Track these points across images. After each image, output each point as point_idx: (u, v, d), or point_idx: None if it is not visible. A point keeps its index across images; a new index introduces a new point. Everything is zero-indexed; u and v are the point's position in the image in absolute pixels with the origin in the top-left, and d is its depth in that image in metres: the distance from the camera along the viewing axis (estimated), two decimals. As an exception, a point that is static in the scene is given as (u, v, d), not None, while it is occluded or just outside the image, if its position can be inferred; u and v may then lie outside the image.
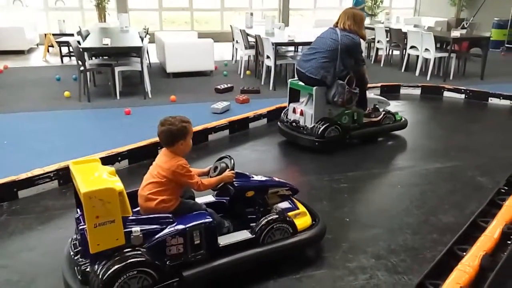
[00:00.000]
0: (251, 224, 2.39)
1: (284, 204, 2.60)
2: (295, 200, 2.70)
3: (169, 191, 2.22)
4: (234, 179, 2.41)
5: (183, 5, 13.25)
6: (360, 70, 4.32)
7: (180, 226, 2.10)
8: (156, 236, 2.05)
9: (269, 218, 2.37)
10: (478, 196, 3.21)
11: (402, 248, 2.62)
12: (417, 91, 6.64)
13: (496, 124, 5.46)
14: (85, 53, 6.23)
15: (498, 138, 4.77)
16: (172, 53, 7.51)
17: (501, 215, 2.73)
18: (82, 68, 5.92)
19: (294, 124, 4.36)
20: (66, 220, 2.95)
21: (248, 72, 8.12)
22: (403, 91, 6.66)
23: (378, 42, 9.19)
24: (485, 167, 3.82)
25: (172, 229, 2.09)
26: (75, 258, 2.08)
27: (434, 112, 5.96)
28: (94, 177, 2.00)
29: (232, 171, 2.41)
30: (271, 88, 6.81)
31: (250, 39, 8.02)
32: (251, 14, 9.53)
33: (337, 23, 4.25)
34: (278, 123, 4.57)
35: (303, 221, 2.53)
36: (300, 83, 4.38)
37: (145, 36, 7.50)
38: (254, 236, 2.32)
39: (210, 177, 2.43)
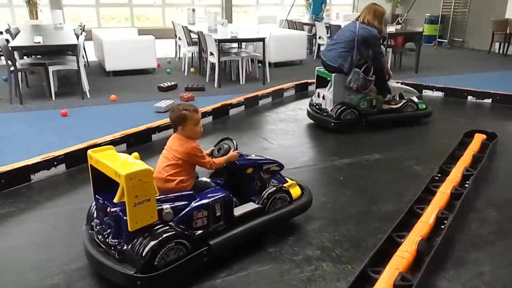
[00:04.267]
0: (252, 198, 2.64)
1: (277, 178, 2.87)
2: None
3: (185, 172, 2.43)
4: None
5: (122, 1, 12.83)
6: (379, 60, 4.71)
7: (204, 201, 2.34)
8: (184, 211, 2.27)
9: (271, 190, 2.65)
10: (415, 184, 3.36)
11: (345, 239, 2.69)
12: (357, 85, 6.85)
13: (430, 114, 5.76)
14: (15, 52, 5.86)
15: (431, 128, 5.04)
16: (110, 51, 7.26)
17: (435, 201, 2.88)
18: (12, 68, 5.57)
19: (317, 107, 4.88)
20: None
21: (192, 69, 8.01)
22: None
23: (319, 38, 9.40)
24: (420, 156, 4.02)
25: (198, 203, 2.31)
26: (107, 240, 2.20)
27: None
28: (121, 161, 2.13)
29: (237, 151, 2.66)
30: (216, 85, 6.76)
31: (193, 35, 7.91)
32: (193, 10, 9.42)
33: (358, 17, 4.68)
34: (308, 107, 5.04)
35: (295, 191, 2.84)
36: (325, 70, 4.81)
37: (81, 34, 7.16)
38: (261, 206, 2.58)
39: (215, 157, 2.65)
